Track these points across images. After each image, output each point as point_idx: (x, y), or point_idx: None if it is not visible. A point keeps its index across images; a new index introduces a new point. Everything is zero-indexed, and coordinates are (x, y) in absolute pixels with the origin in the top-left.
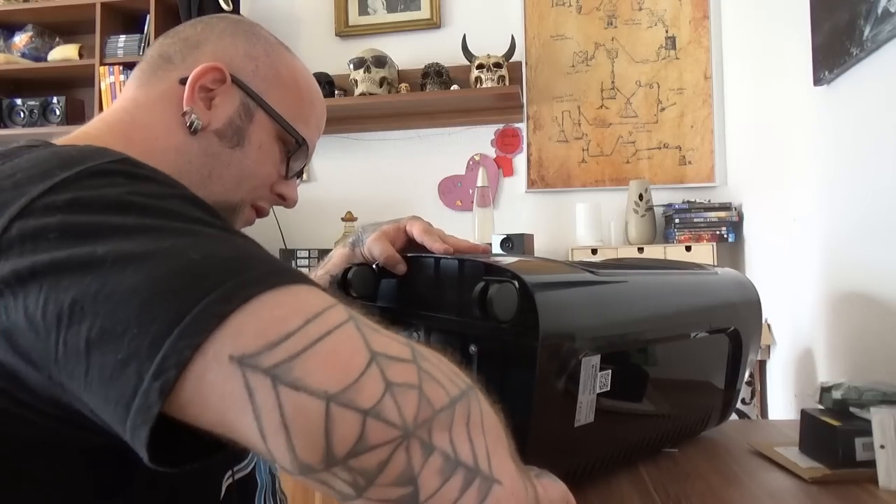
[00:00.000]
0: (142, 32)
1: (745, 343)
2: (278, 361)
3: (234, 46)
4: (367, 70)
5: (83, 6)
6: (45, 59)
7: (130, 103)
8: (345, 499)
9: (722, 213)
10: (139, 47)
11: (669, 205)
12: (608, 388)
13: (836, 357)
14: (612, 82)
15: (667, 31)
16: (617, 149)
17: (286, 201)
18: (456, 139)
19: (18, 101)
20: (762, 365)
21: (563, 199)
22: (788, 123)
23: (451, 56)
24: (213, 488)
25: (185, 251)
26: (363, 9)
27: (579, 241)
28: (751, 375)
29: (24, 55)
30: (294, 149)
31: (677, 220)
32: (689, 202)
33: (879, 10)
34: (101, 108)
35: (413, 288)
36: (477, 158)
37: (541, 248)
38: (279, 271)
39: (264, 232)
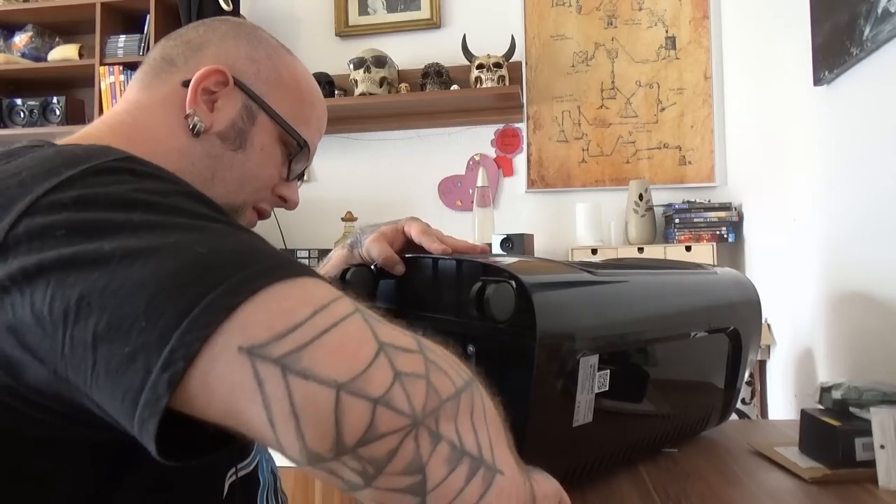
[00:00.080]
0: (142, 32)
1: (745, 343)
2: (287, 351)
3: (236, 49)
4: (367, 70)
5: (83, 6)
6: (45, 59)
7: (132, 105)
8: (353, 489)
9: (722, 213)
10: (139, 47)
11: (669, 205)
12: (607, 388)
13: (836, 357)
14: (612, 82)
15: (667, 31)
16: (617, 149)
17: (287, 203)
18: (456, 139)
19: (18, 101)
20: (762, 365)
21: (563, 199)
22: (788, 123)
23: (451, 56)
24: (216, 486)
25: (191, 245)
26: (363, 9)
27: (579, 241)
28: (751, 375)
29: (24, 55)
30: (295, 151)
31: (677, 220)
32: (689, 202)
33: (879, 10)
34: (101, 108)
35: (411, 288)
36: (477, 158)
37: (541, 248)
38: (286, 264)
39: (264, 232)
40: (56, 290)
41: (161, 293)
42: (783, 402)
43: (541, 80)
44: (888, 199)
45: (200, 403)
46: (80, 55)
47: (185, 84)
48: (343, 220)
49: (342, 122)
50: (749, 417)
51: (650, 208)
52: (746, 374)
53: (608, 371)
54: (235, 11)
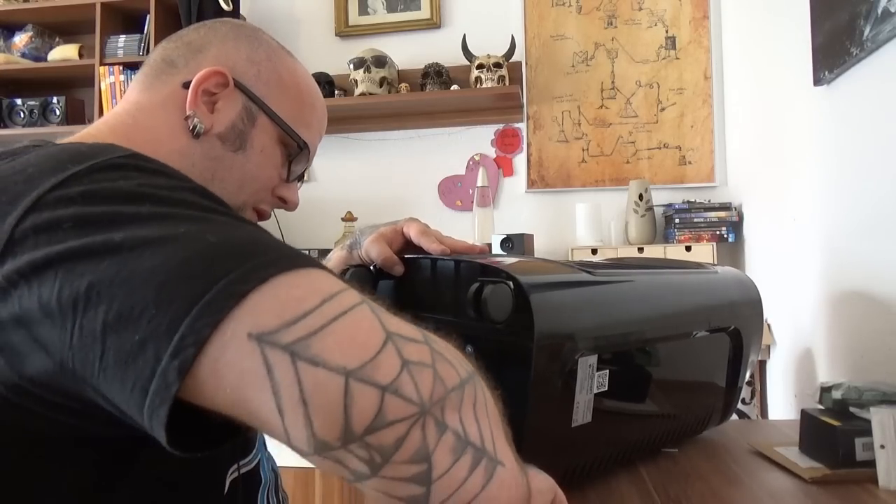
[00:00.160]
0: (142, 32)
1: (746, 342)
2: (297, 338)
3: (236, 51)
4: (367, 70)
5: (83, 6)
6: (45, 59)
7: (133, 106)
8: (359, 478)
9: (722, 213)
10: (139, 47)
11: (669, 205)
12: (606, 388)
13: (836, 357)
14: (612, 82)
15: (667, 31)
16: (617, 149)
17: (287, 204)
18: (456, 139)
19: (18, 101)
20: (762, 365)
21: (563, 199)
22: (788, 123)
23: (451, 56)
24: (217, 482)
25: (200, 236)
26: (363, 9)
27: (579, 241)
28: (751, 375)
29: (24, 55)
30: (295, 152)
31: (677, 220)
32: (689, 202)
33: (879, 10)
34: (101, 108)
35: (410, 289)
36: (477, 158)
37: (541, 248)
38: (295, 255)
39: None
40: (65, 281)
41: (171, 281)
42: (783, 402)
43: (541, 80)
44: (888, 198)
45: (209, 391)
46: (80, 55)
47: (186, 85)
48: (343, 220)
49: (342, 122)
50: (749, 417)
51: (650, 208)
52: (747, 375)
53: (607, 371)
54: (235, 11)
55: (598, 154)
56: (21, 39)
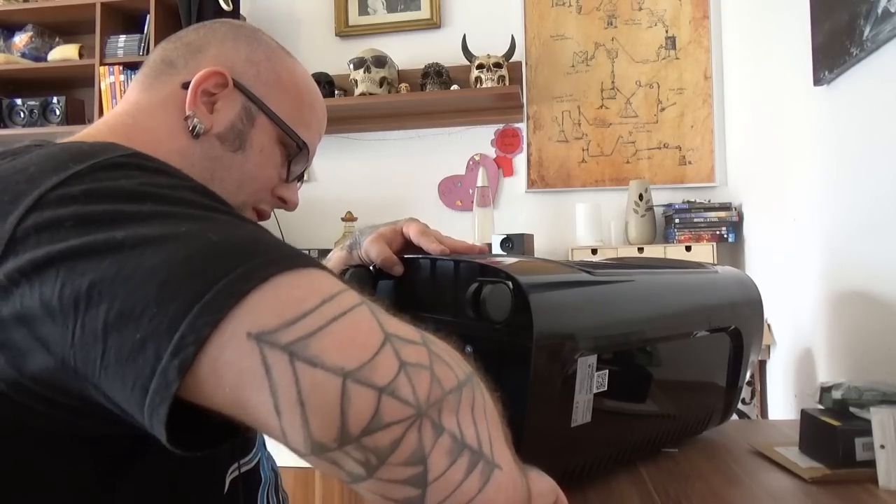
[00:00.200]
0: (142, 32)
1: (747, 342)
2: (296, 338)
3: (235, 51)
4: (367, 70)
5: (83, 6)
6: (45, 59)
7: (133, 107)
8: (355, 480)
9: (722, 213)
10: (139, 47)
11: (669, 205)
12: (605, 388)
13: (836, 357)
14: (612, 82)
15: (667, 31)
16: (617, 149)
17: (287, 204)
18: (456, 139)
19: (18, 101)
20: (762, 365)
21: (563, 199)
22: (788, 123)
23: (451, 56)
24: (217, 482)
25: (201, 234)
26: (363, 9)
27: (579, 241)
28: (751, 375)
29: (24, 55)
30: (295, 152)
31: (677, 220)
32: (689, 202)
33: (879, 10)
34: (101, 108)
35: (410, 289)
36: (477, 158)
37: (541, 248)
38: (295, 255)
39: None
40: (66, 280)
41: (172, 280)
42: (783, 402)
43: (541, 80)
44: (888, 198)
45: (209, 390)
46: (80, 55)
47: (185, 86)
48: (343, 220)
49: (342, 122)
50: (749, 417)
51: (650, 208)
52: (748, 375)
53: (607, 371)
54: (235, 11)
55: (598, 154)
56: (21, 39)
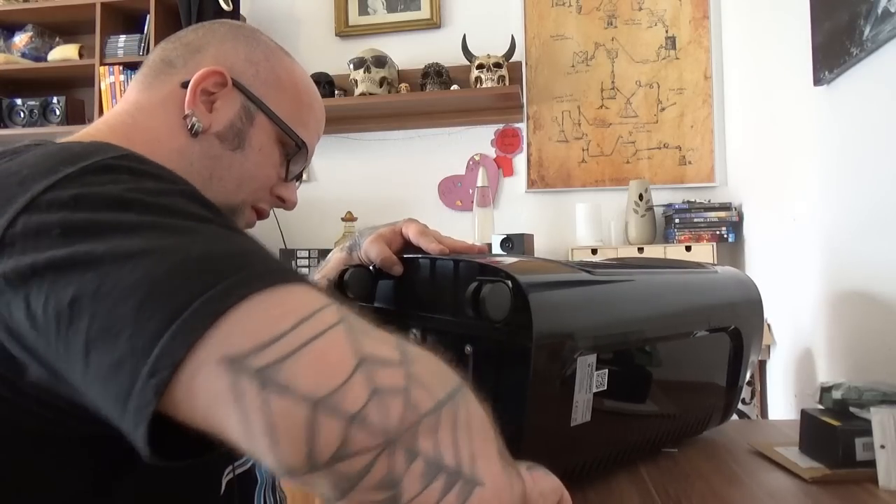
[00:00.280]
0: (142, 32)
1: (747, 342)
2: (267, 363)
3: (234, 51)
4: (367, 70)
5: (83, 6)
6: (45, 59)
7: (132, 106)
8: (328, 500)
9: (722, 213)
10: (139, 47)
11: (669, 205)
12: (605, 388)
13: (836, 357)
14: (612, 82)
15: (667, 31)
16: (617, 149)
17: (286, 203)
18: (456, 139)
19: (18, 101)
20: (762, 365)
21: (563, 199)
22: (788, 123)
23: (451, 56)
24: (213, 483)
25: (182, 249)
26: (363, 9)
27: (579, 241)
28: (751, 375)
29: (24, 55)
30: (293, 151)
31: (677, 220)
32: (689, 202)
33: (879, 10)
34: (101, 108)
35: (410, 289)
36: (477, 158)
37: (541, 248)
38: (275, 270)
39: (264, 232)
40: (50, 292)
41: (150, 297)
42: (783, 402)
43: (541, 80)
44: (888, 198)
45: (185, 409)
46: (80, 55)
47: (185, 85)
48: (343, 220)
49: (342, 122)
50: (749, 417)
51: (650, 208)
52: (748, 375)
53: (606, 370)
54: (235, 11)
55: (598, 154)
56: (21, 39)
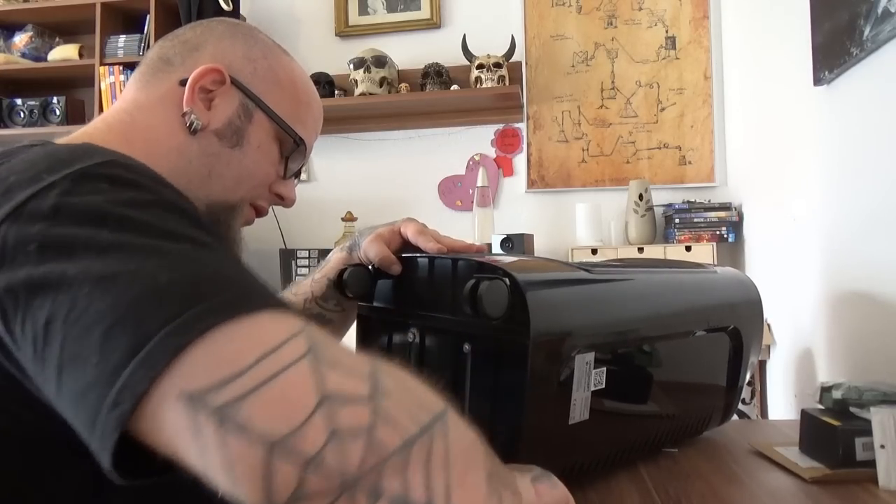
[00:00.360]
0: (142, 32)
1: (746, 342)
2: (226, 402)
3: (232, 49)
4: (367, 70)
5: (83, 6)
6: (45, 59)
7: (131, 105)
8: None
9: (722, 213)
10: (139, 47)
11: (669, 205)
12: (603, 386)
13: (836, 357)
14: (612, 82)
15: (667, 31)
16: (617, 149)
17: (284, 201)
18: (456, 139)
19: (18, 101)
20: (762, 365)
21: (563, 199)
22: (788, 123)
23: (451, 56)
24: (210, 486)
25: (151, 274)
26: (363, 9)
27: (579, 241)
28: (751, 375)
29: (24, 55)
30: (292, 149)
31: (677, 220)
32: (689, 202)
33: (879, 10)
34: (101, 108)
35: (408, 288)
36: (477, 158)
37: (541, 248)
38: (243, 297)
39: (264, 232)
40: (26, 313)
41: (116, 326)
42: (783, 402)
43: (541, 80)
44: (888, 198)
45: (149, 437)
46: (80, 55)
47: (183, 83)
48: (343, 220)
49: (342, 122)
50: (749, 417)
51: (650, 208)
52: (748, 375)
53: (604, 369)
54: (235, 11)
55: (598, 154)
56: (21, 39)
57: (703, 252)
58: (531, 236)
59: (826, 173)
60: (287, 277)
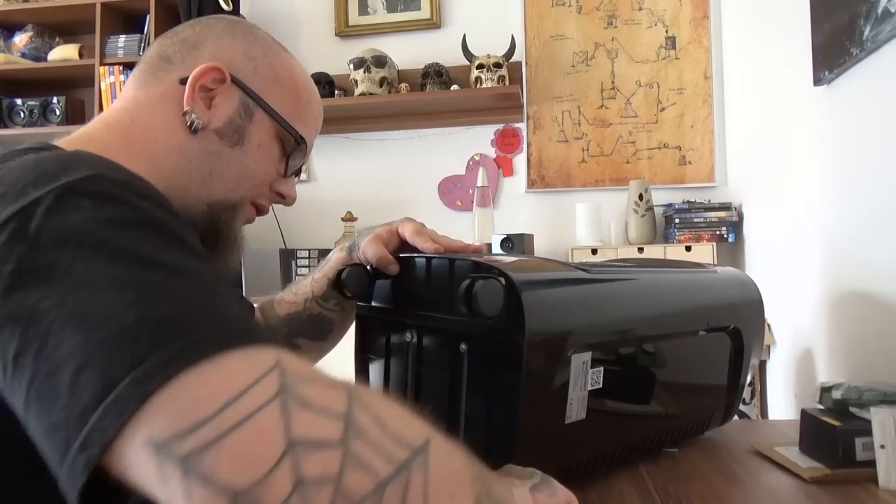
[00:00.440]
0: (142, 32)
1: (747, 342)
2: (190, 451)
3: (232, 47)
4: (367, 70)
5: (83, 6)
6: (45, 59)
7: (130, 104)
8: None
9: (722, 213)
10: (139, 47)
11: (669, 205)
12: (600, 386)
13: (836, 357)
14: (612, 82)
15: (667, 31)
16: (617, 149)
17: (285, 199)
18: (456, 139)
19: (18, 101)
20: (762, 365)
21: (563, 199)
22: (788, 123)
23: (451, 56)
24: None
25: (122, 310)
26: (363, 9)
27: (579, 241)
28: (751, 376)
29: (24, 55)
30: (293, 147)
31: (677, 220)
32: (689, 202)
33: (879, 10)
34: (101, 108)
35: (406, 288)
36: (477, 158)
37: (541, 248)
38: (213, 335)
39: (264, 232)
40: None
41: (84, 369)
42: (783, 402)
43: (541, 80)
44: (888, 199)
45: (119, 476)
46: (80, 55)
47: (183, 82)
48: (343, 220)
49: (342, 122)
50: (749, 417)
51: (650, 208)
52: (749, 376)
53: (601, 368)
54: (235, 11)
55: (598, 154)
56: (21, 39)
57: (703, 252)
58: (531, 236)
59: (826, 173)
60: (287, 277)
